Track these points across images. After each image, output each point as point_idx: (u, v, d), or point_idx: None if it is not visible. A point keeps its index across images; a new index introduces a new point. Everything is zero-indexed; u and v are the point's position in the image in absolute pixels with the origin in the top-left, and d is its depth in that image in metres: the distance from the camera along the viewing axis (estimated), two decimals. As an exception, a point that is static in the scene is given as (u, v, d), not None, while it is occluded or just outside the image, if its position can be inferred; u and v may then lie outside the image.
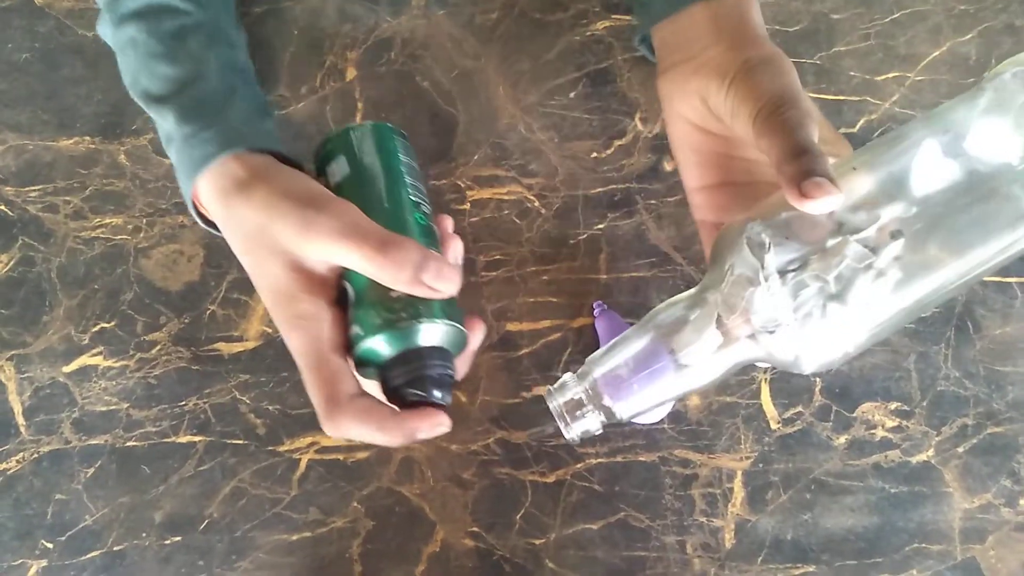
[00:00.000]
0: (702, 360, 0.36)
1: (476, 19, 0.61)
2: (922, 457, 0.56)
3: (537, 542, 0.55)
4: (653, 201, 0.59)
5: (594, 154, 0.60)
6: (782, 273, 0.34)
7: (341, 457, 0.56)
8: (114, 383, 0.57)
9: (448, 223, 0.43)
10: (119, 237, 0.58)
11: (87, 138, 0.60)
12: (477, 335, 0.41)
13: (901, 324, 0.36)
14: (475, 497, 0.55)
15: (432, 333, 0.38)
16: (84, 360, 0.57)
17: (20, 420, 0.56)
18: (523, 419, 0.56)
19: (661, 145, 0.60)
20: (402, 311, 0.37)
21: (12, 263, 0.58)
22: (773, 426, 0.56)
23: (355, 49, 0.61)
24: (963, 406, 0.56)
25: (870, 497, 0.55)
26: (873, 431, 0.56)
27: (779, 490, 0.55)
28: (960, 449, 0.56)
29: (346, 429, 0.37)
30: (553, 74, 0.61)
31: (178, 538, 0.55)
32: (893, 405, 0.56)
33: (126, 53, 0.46)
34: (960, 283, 0.35)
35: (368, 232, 0.36)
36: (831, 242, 0.34)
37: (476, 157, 0.59)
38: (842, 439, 0.56)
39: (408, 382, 0.37)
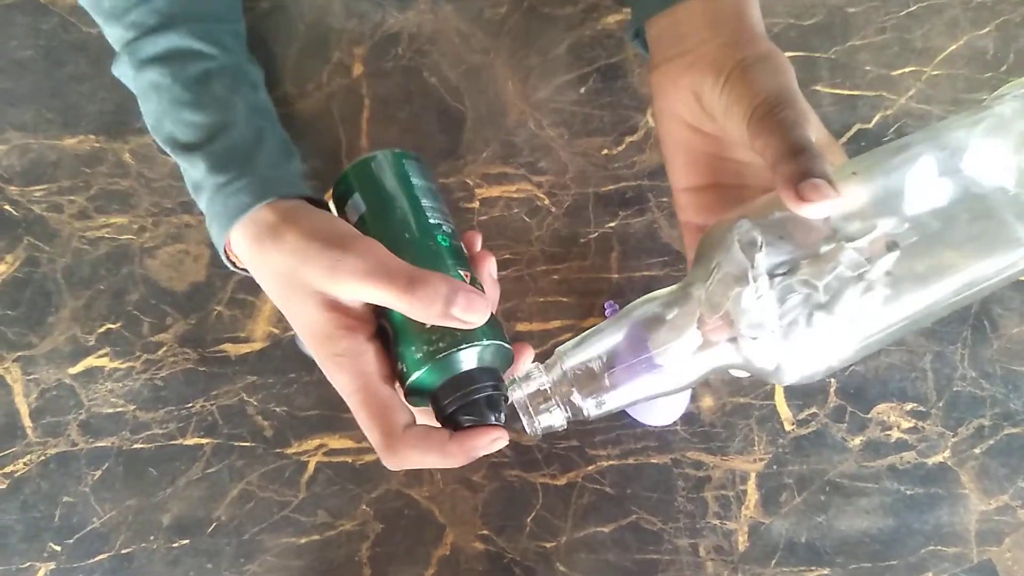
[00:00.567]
0: (678, 361, 0.34)
1: (484, 13, 0.60)
2: (938, 458, 0.55)
3: (548, 545, 0.54)
4: (665, 199, 0.58)
5: (605, 151, 0.59)
6: (770, 275, 0.32)
7: (350, 460, 0.55)
8: (120, 385, 0.56)
9: (477, 240, 0.43)
10: (124, 237, 0.58)
11: (92, 137, 0.59)
12: (524, 361, 0.40)
13: (888, 341, 0.35)
14: (485, 500, 0.55)
15: (475, 356, 0.37)
16: (90, 361, 0.57)
17: (27, 422, 0.56)
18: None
19: (673, 142, 0.59)
20: (440, 341, 0.36)
21: (17, 264, 0.58)
22: (787, 427, 0.56)
23: (362, 45, 0.60)
24: (980, 407, 0.56)
25: (885, 499, 0.55)
26: (888, 432, 0.55)
27: (793, 492, 0.55)
28: (977, 450, 0.55)
29: (407, 460, 0.36)
30: (563, 69, 0.60)
31: (186, 541, 0.55)
32: (909, 406, 0.56)
33: (148, 98, 0.45)
34: (949, 303, 0.34)
35: (394, 271, 0.36)
36: (825, 248, 0.32)
37: (485, 154, 0.59)
38: (857, 440, 0.55)
39: (460, 408, 0.37)
